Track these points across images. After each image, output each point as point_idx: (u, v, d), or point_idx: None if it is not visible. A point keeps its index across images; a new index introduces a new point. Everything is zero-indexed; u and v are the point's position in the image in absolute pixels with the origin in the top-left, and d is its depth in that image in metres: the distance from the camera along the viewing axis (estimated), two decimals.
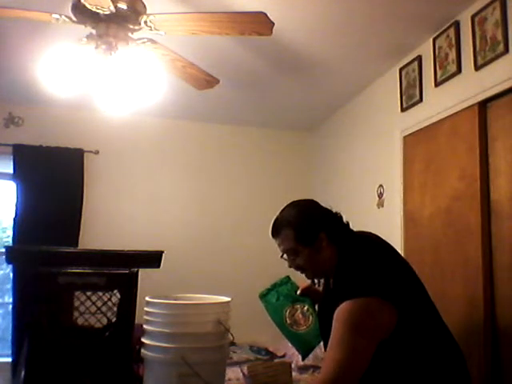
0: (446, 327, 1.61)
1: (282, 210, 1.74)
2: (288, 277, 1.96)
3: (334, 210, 1.74)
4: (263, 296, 1.94)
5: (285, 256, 1.72)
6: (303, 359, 1.91)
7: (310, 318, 1.87)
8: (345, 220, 1.73)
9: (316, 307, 1.91)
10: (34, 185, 3.96)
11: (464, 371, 1.58)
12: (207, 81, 2.73)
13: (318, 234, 1.64)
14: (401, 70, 3.13)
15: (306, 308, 1.88)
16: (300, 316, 1.87)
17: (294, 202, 1.78)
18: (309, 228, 1.65)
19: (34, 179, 3.97)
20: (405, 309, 1.47)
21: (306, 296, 1.90)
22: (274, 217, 1.74)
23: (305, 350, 1.89)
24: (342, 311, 1.45)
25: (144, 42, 2.33)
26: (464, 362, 1.59)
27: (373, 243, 1.69)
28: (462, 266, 2.43)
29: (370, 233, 1.76)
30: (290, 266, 1.73)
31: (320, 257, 1.65)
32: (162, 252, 1.72)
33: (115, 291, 1.62)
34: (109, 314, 1.61)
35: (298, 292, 1.90)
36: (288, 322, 1.87)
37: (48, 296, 1.56)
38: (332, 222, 1.69)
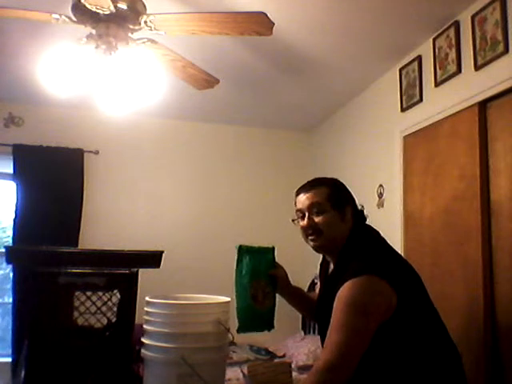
0: (441, 319, 1.62)
1: (315, 178, 1.79)
2: (273, 249, 1.85)
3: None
4: (244, 252, 1.82)
5: (298, 221, 1.72)
6: (238, 332, 1.75)
7: (266, 302, 1.79)
8: (366, 213, 1.78)
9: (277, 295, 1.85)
10: (34, 185, 3.97)
11: (457, 360, 1.59)
12: (207, 81, 2.73)
13: (347, 205, 1.70)
14: (401, 70, 3.13)
15: (268, 290, 1.80)
16: (260, 294, 1.79)
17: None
18: (342, 195, 1.72)
19: (34, 179, 3.98)
20: (404, 295, 1.48)
21: (275, 279, 1.83)
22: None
23: (246, 326, 1.78)
24: (342, 292, 1.46)
25: (144, 42, 2.33)
26: (457, 353, 1.61)
27: (378, 235, 1.73)
28: (462, 266, 2.43)
29: (375, 229, 1.78)
30: (305, 228, 1.69)
31: (340, 226, 1.67)
32: (162, 252, 1.72)
33: (115, 291, 1.62)
34: (109, 314, 1.61)
35: (273, 271, 1.82)
36: (251, 291, 1.78)
37: (48, 296, 1.56)
38: (356, 204, 1.76)
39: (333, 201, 1.68)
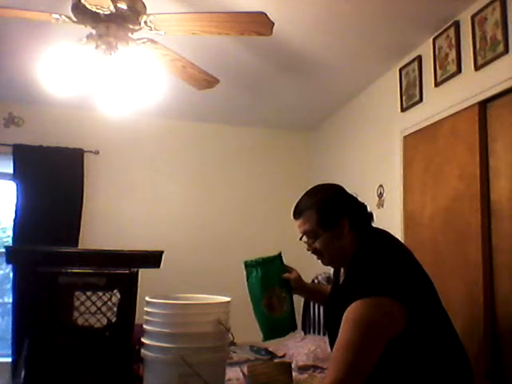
0: (454, 330, 1.59)
1: (307, 192, 1.71)
2: (280, 254, 1.88)
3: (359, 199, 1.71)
4: (250, 266, 1.86)
5: (304, 238, 1.68)
6: (264, 341, 1.84)
7: (284, 306, 1.82)
8: (369, 210, 1.70)
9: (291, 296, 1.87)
10: (34, 185, 3.97)
11: (469, 375, 1.58)
12: (207, 81, 2.73)
13: (341, 219, 1.61)
14: (401, 70, 3.13)
15: (283, 294, 1.83)
16: (276, 301, 1.82)
17: (319, 185, 1.76)
18: (332, 212, 1.62)
19: (34, 179, 3.98)
20: (414, 311, 1.45)
21: (288, 282, 1.85)
22: (298, 198, 1.71)
23: (269, 335, 1.84)
24: (350, 312, 1.43)
25: (144, 42, 2.33)
26: (470, 367, 1.58)
27: (390, 241, 1.67)
28: (462, 266, 2.43)
29: (385, 230, 1.73)
30: (308, 250, 1.70)
31: (339, 243, 1.62)
32: (162, 252, 1.72)
33: (115, 291, 1.62)
34: (109, 314, 1.61)
35: (285, 275, 1.85)
36: (265, 302, 1.81)
37: (48, 296, 1.56)
38: (356, 210, 1.67)
39: (324, 224, 1.61)
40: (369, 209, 1.71)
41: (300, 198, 1.71)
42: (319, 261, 1.72)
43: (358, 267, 1.56)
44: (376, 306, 1.42)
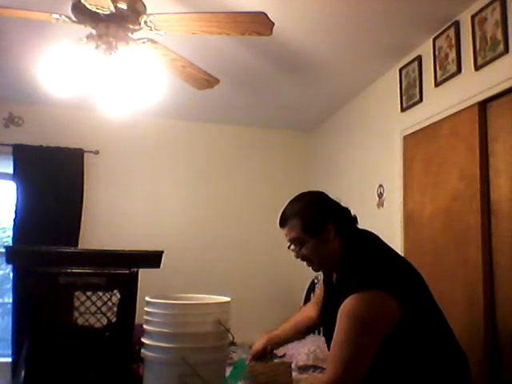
0: (448, 326, 1.61)
1: (291, 201, 1.74)
2: (242, 360, 1.95)
3: (342, 204, 1.74)
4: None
5: (292, 247, 1.71)
6: None
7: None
8: (353, 214, 1.73)
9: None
10: (34, 185, 3.97)
11: (465, 369, 1.58)
12: (207, 81, 2.73)
13: (326, 224, 1.64)
14: (401, 70, 3.13)
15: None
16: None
17: (303, 193, 1.79)
18: (316, 218, 1.65)
19: (34, 179, 3.98)
20: (408, 304, 1.46)
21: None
22: (282, 208, 1.74)
23: None
24: (346, 307, 1.45)
25: (144, 42, 2.33)
26: (466, 361, 1.59)
27: (377, 241, 1.70)
28: (462, 266, 2.43)
29: (372, 232, 1.75)
30: (297, 257, 1.72)
31: (326, 248, 1.65)
32: (162, 252, 1.72)
33: (115, 291, 1.62)
34: (109, 314, 1.61)
35: (247, 362, 1.92)
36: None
37: (48, 296, 1.56)
38: (340, 214, 1.70)
39: (309, 230, 1.64)
40: (352, 212, 1.74)
41: (285, 206, 1.74)
42: (309, 267, 1.74)
43: (349, 266, 1.59)
44: (370, 299, 1.44)
